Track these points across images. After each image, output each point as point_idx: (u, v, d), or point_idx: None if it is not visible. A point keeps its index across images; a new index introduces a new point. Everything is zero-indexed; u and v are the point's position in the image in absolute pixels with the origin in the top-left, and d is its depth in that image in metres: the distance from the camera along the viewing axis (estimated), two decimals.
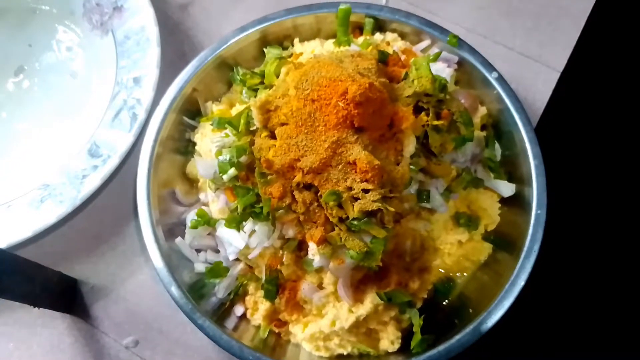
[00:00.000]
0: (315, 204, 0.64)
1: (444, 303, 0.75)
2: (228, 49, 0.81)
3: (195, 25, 0.98)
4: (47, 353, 0.80)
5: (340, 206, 0.63)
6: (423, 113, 0.67)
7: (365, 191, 0.61)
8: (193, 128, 0.83)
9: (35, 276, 0.72)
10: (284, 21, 0.82)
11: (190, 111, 0.82)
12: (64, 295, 0.79)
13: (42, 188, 0.82)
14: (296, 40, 0.84)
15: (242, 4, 0.99)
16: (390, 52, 0.75)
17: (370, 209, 0.61)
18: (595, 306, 0.79)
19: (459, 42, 0.78)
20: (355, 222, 0.62)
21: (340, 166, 0.62)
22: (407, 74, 0.69)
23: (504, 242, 0.74)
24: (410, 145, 0.64)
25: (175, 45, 0.95)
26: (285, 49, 0.84)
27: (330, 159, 0.62)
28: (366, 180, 0.61)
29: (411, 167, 0.66)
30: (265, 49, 0.82)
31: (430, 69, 0.67)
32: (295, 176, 0.63)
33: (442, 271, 0.74)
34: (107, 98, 0.88)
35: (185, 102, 0.80)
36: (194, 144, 0.81)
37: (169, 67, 0.85)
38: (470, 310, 0.70)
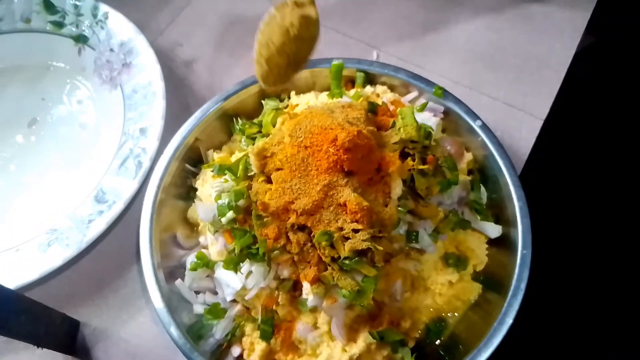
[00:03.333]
0: (309, 244, 0.67)
1: (437, 342, 0.76)
2: (229, 102, 0.87)
3: (199, 80, 1.05)
4: None
5: (332, 246, 0.66)
6: (409, 158, 0.71)
7: (355, 231, 0.64)
8: (195, 175, 0.87)
9: (40, 316, 0.74)
10: None
11: (193, 159, 0.87)
12: (67, 337, 0.80)
13: (50, 232, 0.86)
14: (292, 93, 0.90)
15: (243, 60, 1.06)
16: (380, 103, 0.80)
17: (360, 248, 0.64)
18: (582, 342, 0.81)
19: (445, 93, 0.83)
20: (347, 262, 0.65)
21: (331, 208, 0.66)
22: (394, 123, 0.74)
23: (493, 281, 0.77)
24: (397, 188, 0.68)
25: (180, 98, 1.01)
26: (282, 101, 0.89)
27: (322, 201, 0.66)
28: (356, 221, 0.64)
29: (399, 208, 0.69)
30: (263, 101, 0.88)
31: (415, 118, 0.72)
32: (290, 218, 0.67)
33: (433, 310, 0.76)
34: (114, 147, 0.93)
35: (188, 150, 0.85)
36: (196, 189, 0.85)
37: (174, 119, 0.90)
38: (461, 348, 0.72)
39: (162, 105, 0.91)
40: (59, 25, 1.04)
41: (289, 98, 0.89)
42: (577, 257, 0.86)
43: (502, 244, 0.78)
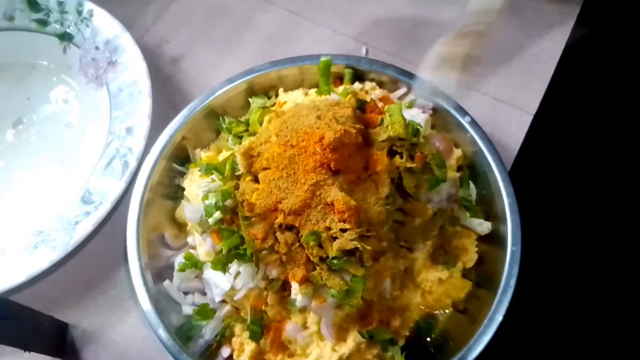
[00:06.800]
0: (297, 244, 0.67)
1: (427, 340, 0.76)
2: (216, 99, 0.86)
3: (186, 77, 1.03)
4: None
5: (320, 246, 0.66)
6: (397, 156, 0.70)
7: (343, 230, 0.64)
8: (182, 174, 0.86)
9: (26, 320, 0.74)
10: (269, 73, 0.87)
11: (180, 158, 0.86)
12: (55, 339, 0.80)
13: (36, 234, 0.85)
14: (281, 90, 0.89)
15: (230, 57, 1.05)
16: (368, 99, 0.80)
17: (348, 248, 0.63)
18: (573, 339, 0.81)
19: None
20: (335, 261, 0.65)
21: (319, 207, 0.65)
22: (382, 120, 0.73)
23: (483, 278, 0.77)
24: (385, 186, 0.68)
25: (167, 96, 1.00)
26: (269, 98, 0.88)
27: (309, 201, 0.65)
28: (344, 220, 0.64)
29: (387, 207, 0.69)
30: (250, 99, 0.87)
31: (402, 115, 0.71)
32: (277, 218, 0.66)
33: (423, 308, 0.76)
34: (100, 147, 0.92)
35: (175, 149, 0.84)
36: (183, 189, 0.84)
37: (161, 117, 0.89)
38: (452, 345, 0.72)
39: (149, 103, 0.89)
40: (43, 23, 1.03)
41: (277, 96, 0.89)
42: (567, 253, 0.86)
43: (492, 241, 0.77)
